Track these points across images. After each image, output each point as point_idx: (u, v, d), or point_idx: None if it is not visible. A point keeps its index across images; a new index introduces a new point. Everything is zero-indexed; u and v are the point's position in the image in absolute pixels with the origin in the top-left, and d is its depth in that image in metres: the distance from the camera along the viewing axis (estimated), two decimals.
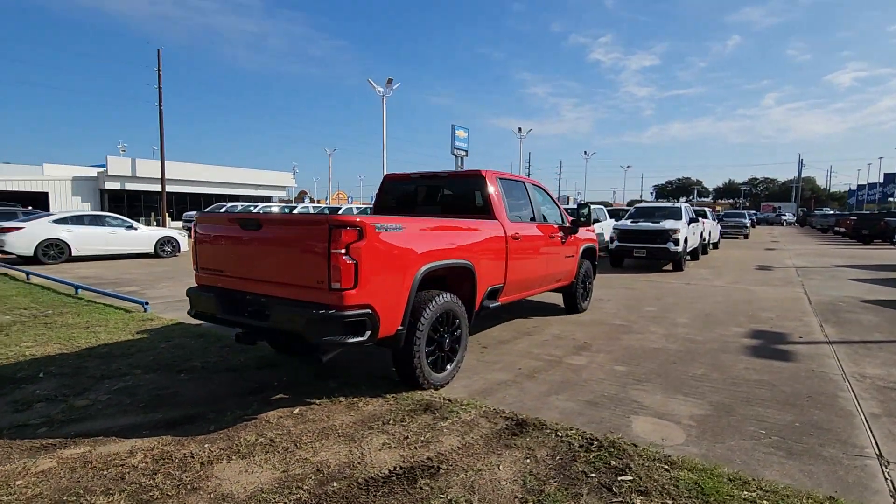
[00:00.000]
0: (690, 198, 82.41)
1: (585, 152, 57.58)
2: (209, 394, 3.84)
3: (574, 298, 7.05)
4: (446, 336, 4.10)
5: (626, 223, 13.40)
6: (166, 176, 34.26)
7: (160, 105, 33.79)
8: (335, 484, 2.55)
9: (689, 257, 14.89)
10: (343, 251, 3.17)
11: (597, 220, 15.23)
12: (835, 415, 3.59)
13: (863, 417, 3.55)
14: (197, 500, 2.41)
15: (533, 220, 5.77)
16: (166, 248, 14.94)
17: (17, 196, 31.68)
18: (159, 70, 33.83)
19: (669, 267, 12.86)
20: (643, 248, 12.44)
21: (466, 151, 39.19)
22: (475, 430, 3.21)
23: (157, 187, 34.16)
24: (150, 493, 2.45)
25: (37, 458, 2.79)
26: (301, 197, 77.01)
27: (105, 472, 2.64)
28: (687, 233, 12.77)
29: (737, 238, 27.41)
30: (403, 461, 2.79)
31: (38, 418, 3.34)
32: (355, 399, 3.72)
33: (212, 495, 2.44)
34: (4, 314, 6.60)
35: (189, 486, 2.52)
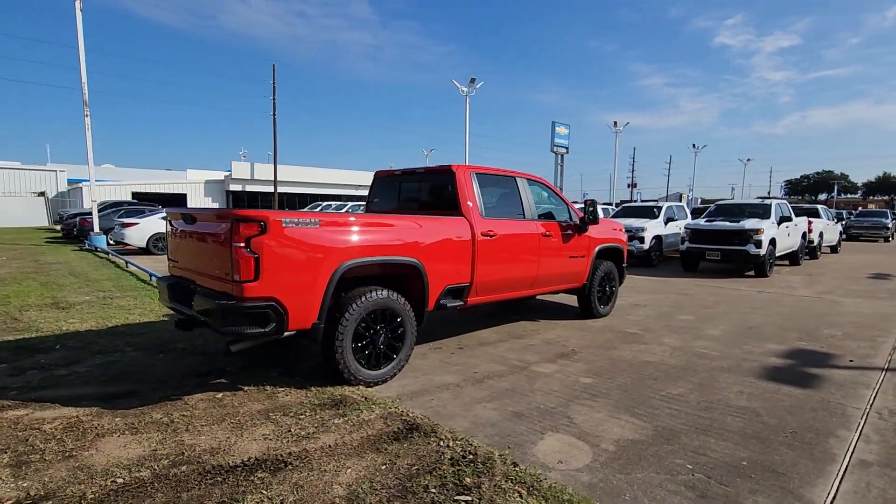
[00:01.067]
0: (831, 195, 70.97)
1: (694, 145, 52.15)
2: (167, 373, 4.20)
3: (588, 302, 6.50)
4: (382, 333, 4.03)
5: (700, 222, 12.01)
6: (280, 178, 38.04)
7: (274, 115, 37.55)
8: (183, 467, 2.65)
9: (786, 262, 12.96)
10: (243, 245, 3.27)
11: (671, 219, 13.90)
12: (807, 458, 2.89)
13: (844, 465, 2.82)
14: (62, 467, 2.66)
15: (522, 216, 5.43)
16: None
17: (163, 197, 37.22)
18: (273, 83, 37.57)
19: (753, 273, 11.27)
20: (717, 251, 11.05)
21: (567, 149, 38.05)
22: (361, 431, 3.13)
23: (272, 188, 37.95)
24: (31, 457, 2.76)
25: None
26: None
27: (18, 434, 3.03)
28: (775, 233, 11.10)
29: (876, 241, 23.13)
30: (263, 453, 2.82)
31: (20, 382, 3.92)
32: (281, 389, 3.82)
33: (77, 465, 2.68)
34: (85, 295, 7.83)
35: (67, 455, 2.79)
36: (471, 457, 2.80)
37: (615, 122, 38.61)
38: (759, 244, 10.57)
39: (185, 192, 40.97)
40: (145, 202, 24.54)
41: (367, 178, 48.03)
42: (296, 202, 44.18)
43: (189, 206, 39.88)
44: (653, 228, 13.10)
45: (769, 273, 10.95)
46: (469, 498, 2.38)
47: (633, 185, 67.37)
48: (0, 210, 33.86)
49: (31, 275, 9.98)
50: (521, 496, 2.42)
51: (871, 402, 3.74)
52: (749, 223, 10.91)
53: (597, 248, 6.39)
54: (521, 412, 3.51)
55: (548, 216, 5.90)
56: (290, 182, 42.24)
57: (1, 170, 36.89)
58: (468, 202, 4.83)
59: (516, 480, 2.56)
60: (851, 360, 4.79)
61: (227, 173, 42.08)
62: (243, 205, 41.76)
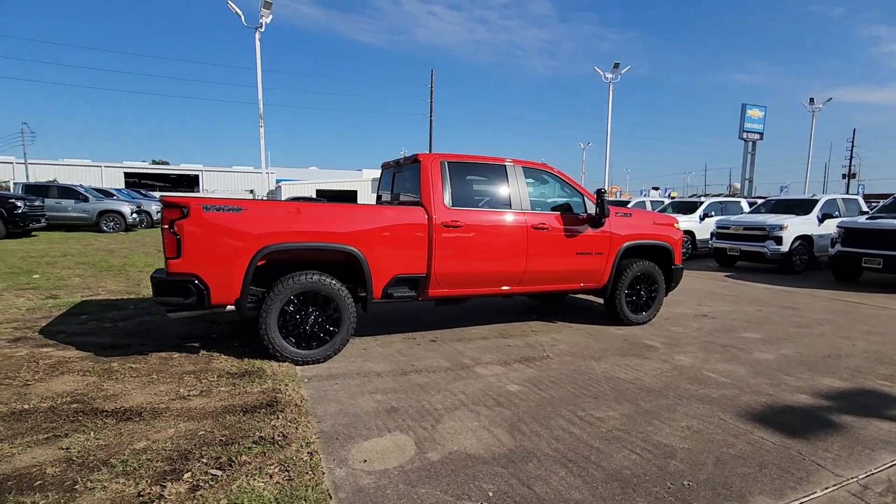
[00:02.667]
0: None
1: None
2: (168, 334, 5.00)
3: (613, 307, 5.67)
4: (311, 315, 4.20)
5: (858, 220, 9.34)
6: None
7: (430, 116, 40.30)
8: (75, 405, 3.21)
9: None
10: (167, 226, 3.78)
11: (828, 216, 11.04)
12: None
13: None
14: (15, 390, 3.45)
15: (508, 207, 5.02)
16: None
17: (339, 193, 42.69)
18: (431, 87, 40.19)
19: None
20: (878, 257, 8.48)
21: (761, 134, 33.35)
22: (230, 399, 3.35)
23: None
24: (6, 381, 3.64)
25: (15, 345, 4.42)
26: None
27: (21, 364, 4.00)
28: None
29: None
30: (138, 404, 3.23)
31: (77, 330, 5.09)
32: (224, 357, 4.24)
33: (26, 390, 3.45)
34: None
35: (27, 382, 3.60)
36: (281, 440, 2.81)
37: (811, 100, 31.61)
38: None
39: (356, 188, 46.42)
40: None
41: None
42: None
43: (358, 201, 45.20)
44: (797, 227, 10.59)
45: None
46: (221, 473, 2.44)
47: (849, 176, 54.45)
48: None
49: None
50: (269, 482, 2.37)
51: (870, 474, 2.61)
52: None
53: (623, 246, 5.53)
54: (399, 408, 3.35)
55: (552, 208, 5.34)
56: None
57: (229, 172, 46.83)
58: (430, 191, 4.67)
59: (289, 466, 2.51)
60: None
61: None
62: None
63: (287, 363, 4.13)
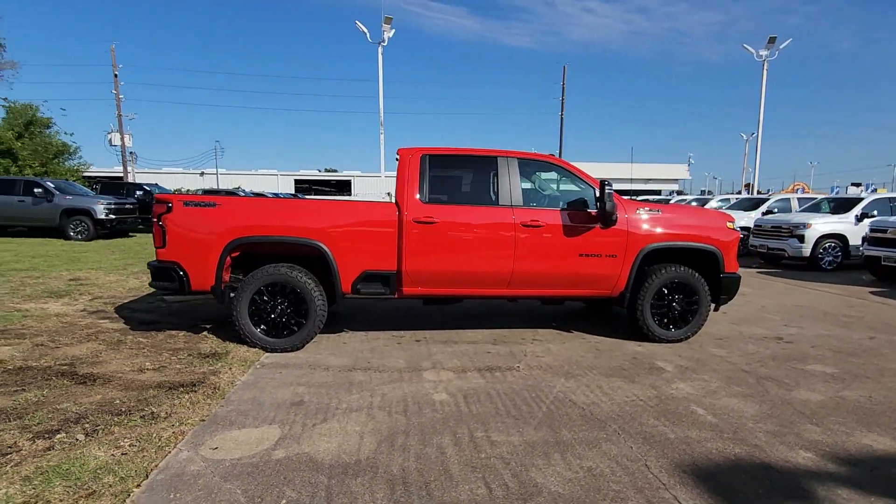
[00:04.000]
0: None
1: None
2: (198, 316, 5.68)
3: (634, 318, 4.85)
4: (279, 306, 4.39)
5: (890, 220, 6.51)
6: None
7: (561, 114, 39.03)
8: (61, 367, 3.86)
9: None
10: (156, 220, 4.30)
11: (867, 216, 8.17)
12: None
13: None
14: (40, 347, 4.26)
15: (494, 203, 4.63)
16: None
17: None
18: (563, 84, 38.93)
19: None
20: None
21: None
22: (167, 376, 3.68)
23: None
24: (43, 342, 4.50)
25: (88, 315, 5.42)
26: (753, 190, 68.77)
27: (68, 328, 4.90)
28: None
29: None
30: (107, 372, 3.73)
31: (141, 307, 6.09)
32: (213, 339, 4.68)
33: (50, 348, 4.25)
34: None
35: (58, 346, 4.42)
36: (163, 417, 3.00)
37: None
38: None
39: None
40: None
41: (656, 170, 44.31)
42: None
43: None
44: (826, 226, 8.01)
45: None
46: (83, 438, 2.69)
47: None
48: None
49: None
50: (109, 453, 2.55)
51: None
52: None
53: (646, 248, 4.69)
54: (305, 402, 3.33)
55: (564, 204, 4.77)
56: None
57: (378, 178, 51.19)
58: (404, 186, 4.54)
59: (144, 442, 2.67)
60: None
61: None
62: None
63: (256, 349, 4.39)
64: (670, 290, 4.81)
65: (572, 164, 4.89)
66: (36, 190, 13.45)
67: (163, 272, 4.33)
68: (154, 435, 2.77)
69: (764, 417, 3.19)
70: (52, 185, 13.88)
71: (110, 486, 2.29)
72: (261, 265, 4.45)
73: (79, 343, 4.49)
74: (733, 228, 4.95)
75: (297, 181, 50.71)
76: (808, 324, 5.82)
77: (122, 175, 34.41)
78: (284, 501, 2.21)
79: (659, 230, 4.74)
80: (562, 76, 38.45)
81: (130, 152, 37.57)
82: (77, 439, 2.70)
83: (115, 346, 4.43)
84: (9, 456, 2.51)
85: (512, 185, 4.66)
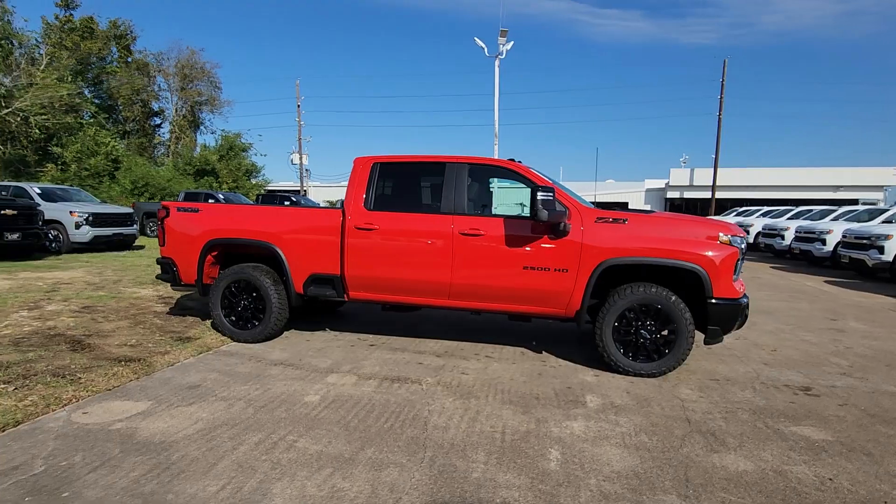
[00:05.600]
0: None
1: None
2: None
3: (595, 344, 4.22)
4: (243, 301, 4.89)
5: None
6: (724, 183, 35.01)
7: (720, 115, 34.61)
8: (69, 333, 4.87)
9: None
10: (160, 222, 5.17)
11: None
12: None
13: None
14: (75, 314, 5.44)
15: (437, 210, 4.49)
16: None
17: (607, 205, 41.44)
18: (723, 80, 34.55)
19: None
20: None
21: None
22: (124, 348, 4.39)
23: (710, 194, 35.07)
24: (98, 312, 5.71)
25: (154, 302, 6.67)
26: None
27: (126, 310, 6.11)
28: None
29: None
30: (106, 345, 4.65)
31: (189, 296, 7.27)
32: (205, 327, 5.41)
33: (86, 319, 5.40)
34: None
35: (95, 319, 5.58)
36: (79, 384, 3.64)
37: None
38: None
39: (626, 200, 43.83)
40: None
41: (850, 175, 35.76)
42: (733, 206, 38.49)
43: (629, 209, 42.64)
44: None
45: None
46: (9, 388, 3.43)
47: None
48: None
49: None
50: (14, 403, 3.23)
51: None
52: None
53: (604, 263, 4.06)
54: (199, 386, 3.70)
55: (510, 212, 4.44)
56: (736, 187, 37.44)
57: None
58: (351, 194, 4.68)
59: (45, 400, 3.31)
60: None
61: (666, 181, 41.75)
62: (681, 212, 40.41)
63: (224, 338, 4.96)
64: (639, 314, 4.07)
65: (523, 169, 4.47)
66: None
67: (163, 266, 5.18)
68: (57, 395, 3.40)
69: (627, 476, 2.57)
70: (39, 191, 12.31)
71: None
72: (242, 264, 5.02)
73: (116, 320, 5.60)
74: (726, 242, 3.97)
75: None
76: (876, 374, 4.32)
77: (298, 189, 40.57)
78: (65, 463, 2.57)
79: (621, 243, 4.06)
80: (721, 72, 34.01)
81: (306, 169, 44.02)
82: (7, 389, 3.46)
83: (133, 324, 5.43)
84: None
85: (456, 192, 4.47)
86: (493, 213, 4.56)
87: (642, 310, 4.06)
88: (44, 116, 25.35)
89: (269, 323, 4.83)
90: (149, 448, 2.74)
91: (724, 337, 4.14)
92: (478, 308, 4.54)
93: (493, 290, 4.36)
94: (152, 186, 24.88)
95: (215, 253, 5.06)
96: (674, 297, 3.99)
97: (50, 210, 11.52)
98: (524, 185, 5.41)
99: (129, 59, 37.02)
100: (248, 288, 4.89)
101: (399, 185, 4.81)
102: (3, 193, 12.05)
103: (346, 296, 4.75)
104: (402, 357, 4.57)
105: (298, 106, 39.05)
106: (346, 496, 2.33)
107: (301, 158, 40.44)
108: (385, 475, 2.52)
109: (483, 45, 21.45)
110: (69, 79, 27.75)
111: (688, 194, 40.31)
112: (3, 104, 24.23)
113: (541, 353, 4.80)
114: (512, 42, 21.40)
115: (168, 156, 38.10)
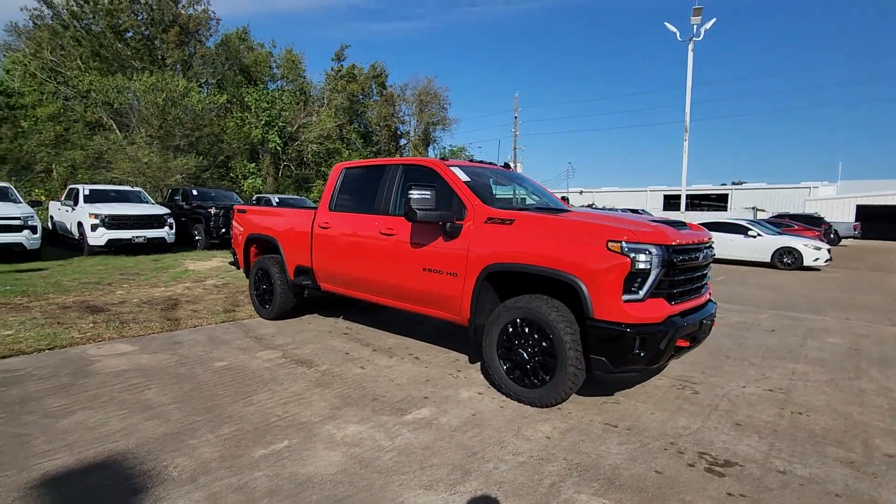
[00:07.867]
0: None
1: None
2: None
3: (482, 359, 3.79)
4: (262, 285, 6.02)
5: None
6: None
7: None
8: (99, 302, 6.80)
9: None
10: (233, 219, 6.76)
11: None
12: None
13: None
14: (105, 297, 7.46)
15: (370, 210, 4.72)
16: (785, 259, 13.36)
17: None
18: None
19: None
20: None
21: None
22: (156, 310, 5.94)
23: None
24: (135, 281, 7.73)
25: (210, 285, 8.59)
26: None
27: (175, 288, 8.06)
28: None
29: None
30: (119, 304, 6.43)
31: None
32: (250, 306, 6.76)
33: (116, 297, 7.41)
34: None
35: (133, 297, 7.56)
36: (95, 332, 5.25)
37: None
38: None
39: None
40: None
41: None
42: None
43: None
44: None
45: None
46: (53, 324, 5.24)
47: None
48: None
49: None
50: (35, 330, 4.97)
51: None
52: None
53: (485, 269, 3.63)
54: (182, 343, 4.90)
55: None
56: None
57: (755, 189, 42.59)
58: (325, 196, 5.27)
59: (57, 331, 4.98)
60: None
61: None
62: None
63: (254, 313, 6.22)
64: (520, 330, 3.49)
65: (439, 167, 4.26)
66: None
67: (232, 254, 6.78)
68: (67, 335, 5.05)
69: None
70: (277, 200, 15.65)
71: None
72: None
73: (151, 295, 7.51)
74: (616, 250, 3.03)
75: (666, 196, 48.07)
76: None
77: None
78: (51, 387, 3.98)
79: (500, 247, 3.56)
80: None
81: None
82: (40, 323, 5.29)
83: (166, 297, 7.19)
84: None
85: (387, 193, 4.61)
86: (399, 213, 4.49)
87: (524, 326, 3.48)
88: (317, 144, 33.45)
89: (275, 304, 5.84)
90: (115, 371, 3.96)
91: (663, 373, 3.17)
92: (401, 308, 4.56)
93: (403, 290, 4.34)
94: None
95: (254, 246, 6.35)
96: (553, 314, 3.29)
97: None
98: (524, 185, 5.25)
99: (383, 93, 45.21)
100: (266, 274, 6.00)
101: (353, 187, 5.17)
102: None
103: (320, 287, 5.38)
104: (346, 346, 4.92)
105: (516, 117, 40.81)
106: (138, 429, 3.01)
107: (516, 166, 42.07)
108: (183, 426, 3.10)
109: (675, 30, 18.84)
110: (334, 114, 35.73)
111: None
112: (295, 138, 33.12)
113: (476, 363, 4.48)
114: (713, 20, 18.19)
115: None
